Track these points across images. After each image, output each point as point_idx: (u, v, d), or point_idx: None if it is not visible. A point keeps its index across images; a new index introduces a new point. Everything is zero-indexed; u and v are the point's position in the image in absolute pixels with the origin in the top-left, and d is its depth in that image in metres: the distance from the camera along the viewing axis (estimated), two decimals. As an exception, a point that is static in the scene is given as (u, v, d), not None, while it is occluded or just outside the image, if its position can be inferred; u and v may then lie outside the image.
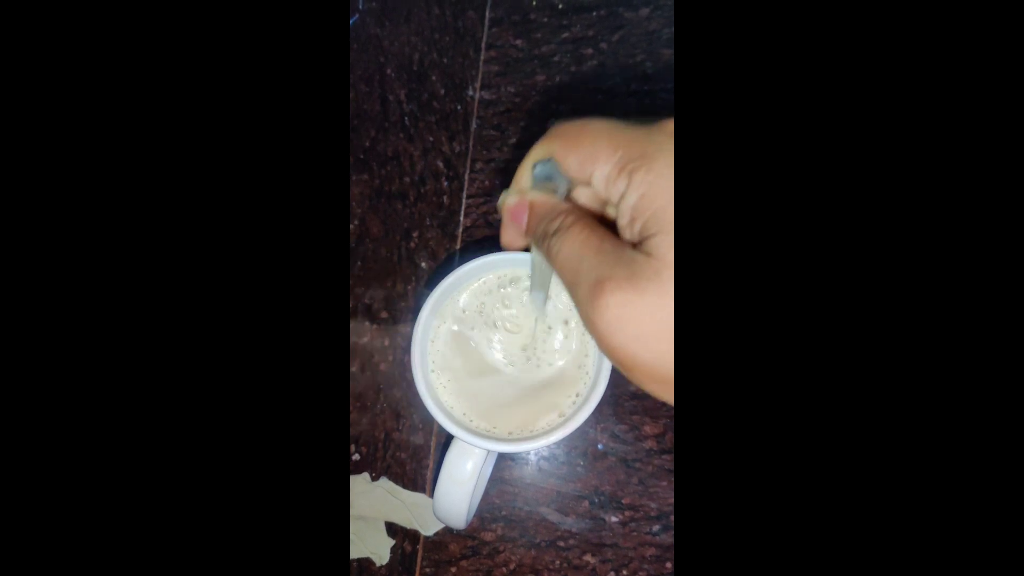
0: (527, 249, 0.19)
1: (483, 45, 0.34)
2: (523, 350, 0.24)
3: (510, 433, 0.22)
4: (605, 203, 0.18)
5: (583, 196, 0.17)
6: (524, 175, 0.17)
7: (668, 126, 0.15)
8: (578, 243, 0.15)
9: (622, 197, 0.15)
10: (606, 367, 0.22)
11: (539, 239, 0.16)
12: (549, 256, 0.16)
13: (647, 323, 0.13)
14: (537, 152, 0.17)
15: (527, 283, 0.23)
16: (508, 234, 0.18)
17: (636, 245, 0.14)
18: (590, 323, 0.14)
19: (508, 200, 0.18)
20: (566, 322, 0.24)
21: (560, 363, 0.23)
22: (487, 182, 0.33)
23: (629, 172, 0.14)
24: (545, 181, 0.16)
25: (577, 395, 0.23)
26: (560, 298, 0.23)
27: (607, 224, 0.16)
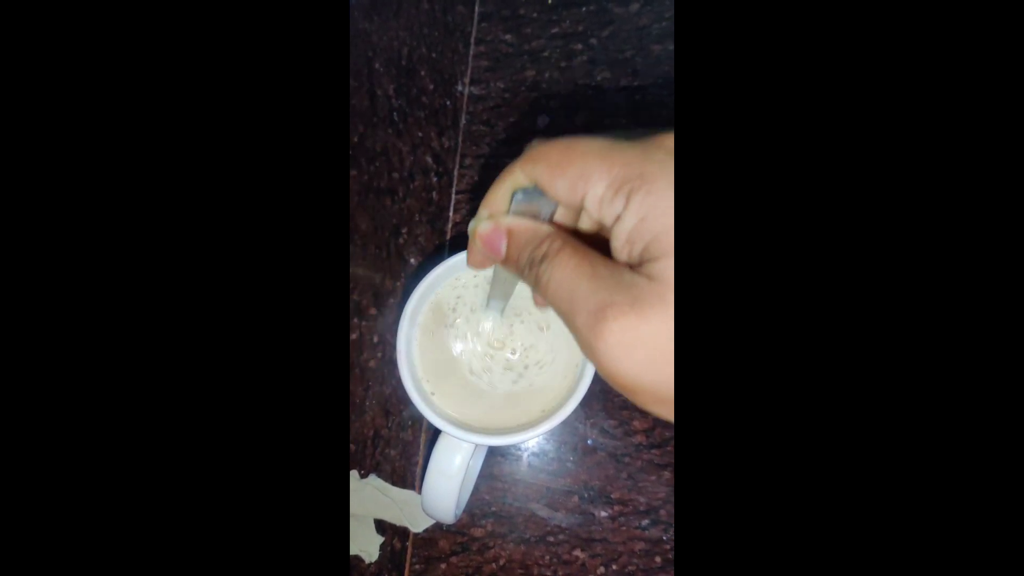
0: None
1: (472, 40, 0.34)
2: (508, 341, 0.24)
3: (498, 426, 0.22)
4: (578, 217, 0.16)
5: (557, 214, 0.16)
6: (498, 198, 0.16)
7: (667, 141, 0.14)
8: (570, 269, 0.14)
9: (618, 219, 0.14)
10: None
11: (524, 267, 0.15)
12: (538, 284, 0.15)
13: (653, 348, 0.13)
14: (515, 176, 0.15)
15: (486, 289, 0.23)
16: (476, 257, 0.17)
17: (634, 267, 0.14)
18: (591, 350, 0.13)
19: (481, 227, 0.16)
20: (547, 321, 0.24)
21: (547, 354, 0.23)
22: (476, 178, 0.33)
23: (627, 193, 0.13)
24: (527, 205, 0.15)
25: (564, 388, 0.23)
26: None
27: (584, 238, 0.15)
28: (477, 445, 0.22)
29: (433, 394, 0.23)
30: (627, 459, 0.29)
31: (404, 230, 0.32)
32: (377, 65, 0.34)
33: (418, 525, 0.28)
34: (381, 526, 0.29)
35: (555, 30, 0.34)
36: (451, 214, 0.32)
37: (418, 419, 0.30)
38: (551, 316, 0.24)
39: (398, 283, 0.32)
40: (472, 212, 0.32)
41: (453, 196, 0.33)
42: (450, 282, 0.24)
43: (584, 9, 0.34)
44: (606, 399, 0.29)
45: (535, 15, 0.34)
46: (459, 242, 0.32)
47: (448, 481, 0.21)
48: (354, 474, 0.30)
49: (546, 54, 0.34)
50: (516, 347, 0.23)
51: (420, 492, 0.29)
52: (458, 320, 0.24)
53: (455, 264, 0.23)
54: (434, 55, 0.34)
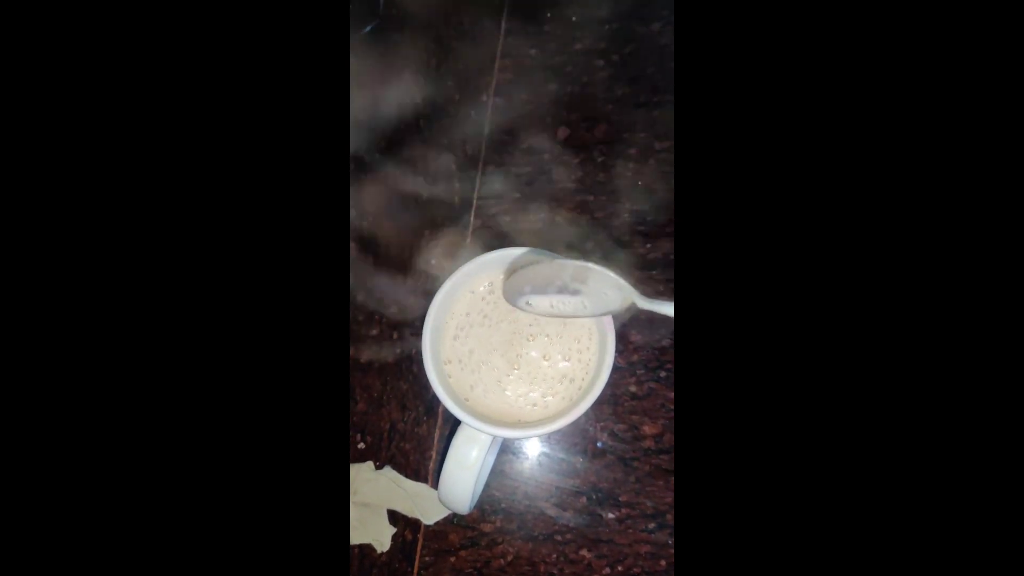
0: None
1: (498, 53, 0.35)
2: (529, 338, 0.24)
3: (514, 420, 0.23)
4: None
5: None
6: None
7: None
8: None
9: None
10: (607, 362, 0.22)
11: None
12: None
13: None
14: None
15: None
16: None
17: None
18: None
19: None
20: (564, 324, 0.24)
21: (564, 356, 0.24)
22: (497, 185, 0.34)
23: None
24: None
25: (578, 387, 0.24)
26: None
27: None
28: (494, 437, 0.23)
29: (453, 384, 0.24)
30: (635, 463, 0.29)
31: (426, 233, 0.33)
32: (406, 74, 0.35)
33: (430, 518, 0.29)
34: (394, 517, 0.30)
35: (578, 46, 0.35)
36: (472, 218, 0.33)
37: (433, 414, 0.31)
38: (568, 322, 0.25)
39: (419, 284, 0.33)
40: (492, 218, 0.33)
41: (475, 202, 0.34)
42: (476, 280, 0.25)
43: (607, 27, 0.35)
44: (616, 403, 0.30)
45: (559, 32, 0.35)
46: (480, 246, 0.33)
47: (465, 471, 0.22)
48: (369, 465, 0.30)
49: (568, 69, 0.35)
50: (536, 346, 0.24)
51: (433, 485, 0.30)
52: (483, 317, 0.25)
53: (483, 264, 0.24)
54: (461, 66, 0.35)
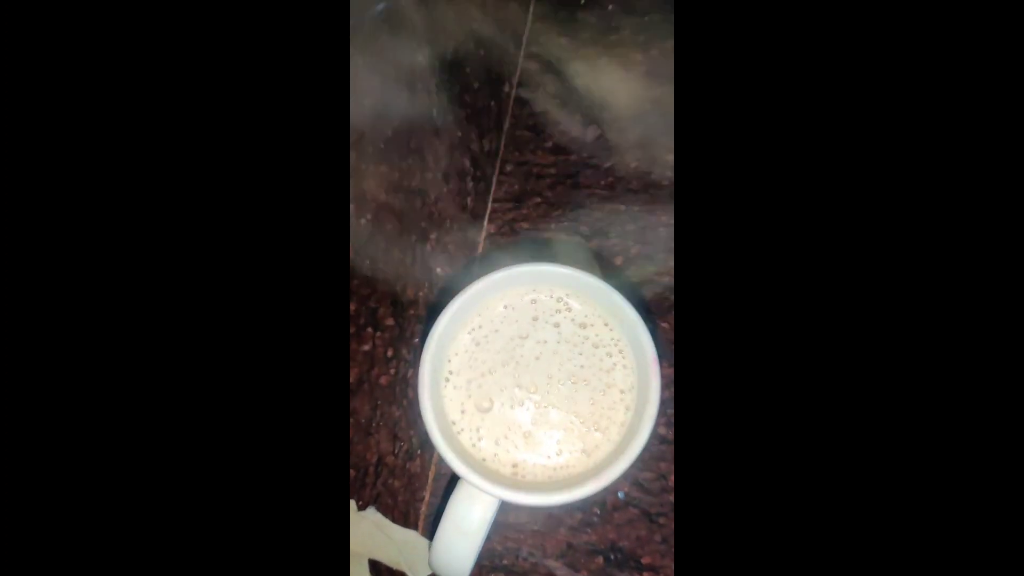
0: None
1: (524, 40, 0.32)
2: (551, 377, 0.20)
3: (531, 480, 0.19)
4: None
5: None
6: None
7: None
8: None
9: None
10: (652, 404, 0.18)
11: None
12: None
13: None
14: None
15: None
16: None
17: None
18: None
19: None
20: (611, 354, 0.20)
21: (595, 396, 0.20)
22: (517, 186, 0.30)
23: None
24: None
25: (611, 437, 0.19)
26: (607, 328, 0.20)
27: None
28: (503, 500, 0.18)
29: (454, 424, 0.20)
30: (662, 519, 0.25)
31: (433, 236, 0.30)
32: (420, 58, 0.32)
33: (418, 572, 0.25)
34: (376, 568, 0.26)
35: (614, 37, 0.32)
36: (486, 223, 0.30)
37: (428, 448, 0.27)
38: (607, 354, 0.20)
39: (420, 293, 0.29)
40: (508, 224, 0.30)
41: (490, 204, 0.30)
42: (489, 301, 0.21)
43: (647, 18, 0.32)
44: (643, 448, 0.26)
45: (593, 20, 0.32)
46: (492, 255, 0.29)
47: (465, 539, 0.18)
48: (351, 504, 0.26)
49: (602, 61, 0.31)
50: (560, 385, 0.20)
51: (424, 533, 0.25)
52: (497, 343, 0.21)
53: (502, 279, 0.20)
54: (482, 52, 0.32)
